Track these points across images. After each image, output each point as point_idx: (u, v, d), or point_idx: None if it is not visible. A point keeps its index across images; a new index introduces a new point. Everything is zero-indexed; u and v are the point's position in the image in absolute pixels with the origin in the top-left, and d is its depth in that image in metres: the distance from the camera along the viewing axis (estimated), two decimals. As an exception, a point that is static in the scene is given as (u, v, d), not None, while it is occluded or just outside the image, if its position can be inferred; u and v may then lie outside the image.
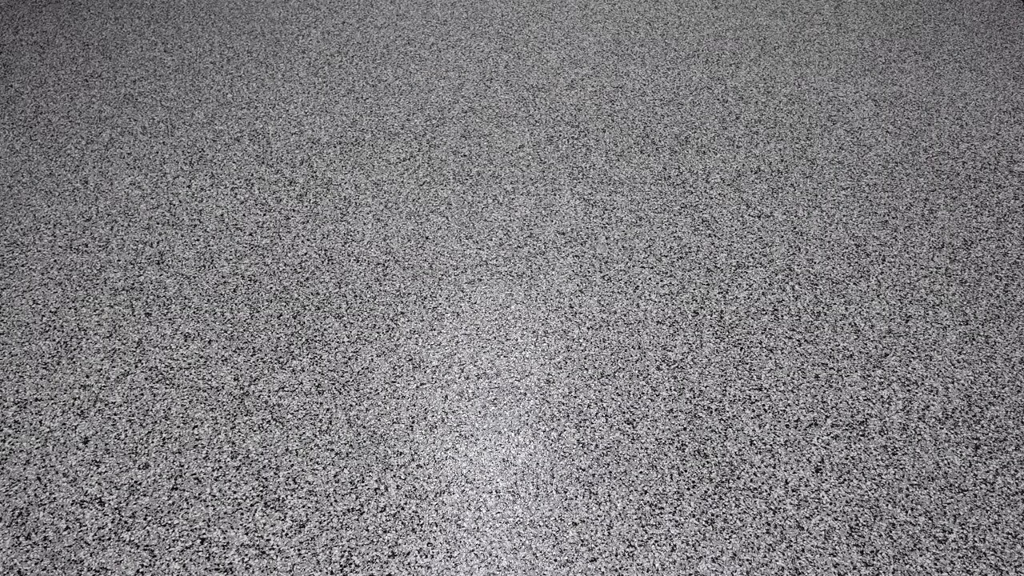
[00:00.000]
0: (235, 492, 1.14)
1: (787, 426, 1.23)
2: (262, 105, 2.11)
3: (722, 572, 1.03)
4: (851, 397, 1.28)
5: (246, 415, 1.25)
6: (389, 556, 1.05)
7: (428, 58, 2.35)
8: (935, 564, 1.04)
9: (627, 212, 1.70)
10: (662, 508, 1.11)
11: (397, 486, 1.14)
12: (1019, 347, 1.37)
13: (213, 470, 1.17)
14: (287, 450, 1.19)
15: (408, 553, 1.06)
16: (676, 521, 1.09)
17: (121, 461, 1.18)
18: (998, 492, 1.13)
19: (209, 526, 1.09)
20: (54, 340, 1.39)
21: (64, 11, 2.67)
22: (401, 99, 2.13)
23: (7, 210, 1.72)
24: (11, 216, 1.70)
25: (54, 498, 1.13)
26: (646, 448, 1.19)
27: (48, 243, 1.63)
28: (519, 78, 2.23)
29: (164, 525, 1.09)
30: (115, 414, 1.26)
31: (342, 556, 1.05)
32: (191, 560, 1.05)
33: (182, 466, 1.17)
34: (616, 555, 1.05)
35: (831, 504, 1.11)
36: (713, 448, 1.19)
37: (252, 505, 1.12)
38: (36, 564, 1.05)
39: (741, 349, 1.36)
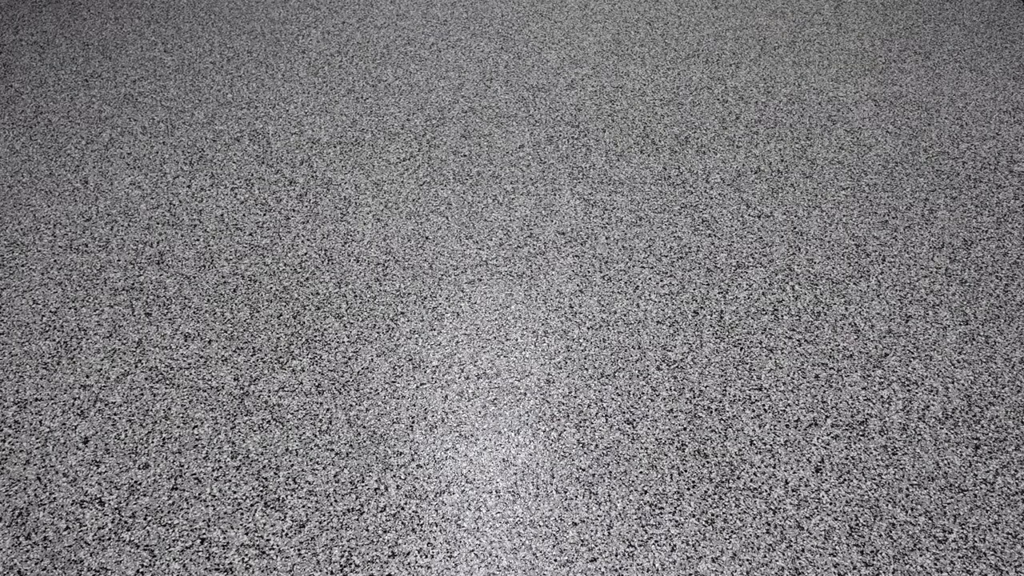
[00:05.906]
0: (235, 492, 1.13)
1: (787, 426, 1.23)
2: (262, 105, 2.11)
3: (722, 572, 1.03)
4: (851, 397, 1.28)
5: (246, 415, 1.25)
6: (389, 556, 1.05)
7: (428, 58, 2.35)
8: (935, 564, 1.04)
9: (627, 212, 1.70)
10: (662, 508, 1.11)
11: (397, 486, 1.14)
12: (1019, 347, 1.37)
13: (213, 470, 1.17)
14: (287, 450, 1.19)
15: (408, 553, 1.06)
16: (676, 521, 1.09)
17: (121, 461, 1.18)
18: (998, 492, 1.13)
19: (209, 526, 1.09)
20: (54, 340, 1.39)
21: (64, 11, 2.67)
22: (401, 99, 2.13)
23: (7, 210, 1.72)
24: (11, 216, 1.70)
25: (54, 498, 1.13)
26: (646, 448, 1.19)
27: (48, 243, 1.63)
28: (519, 78, 2.23)
29: (164, 525, 1.09)
30: (115, 414, 1.26)
31: (342, 556, 1.05)
32: (191, 560, 1.05)
33: (182, 466, 1.17)
34: (616, 555, 1.05)
35: (831, 504, 1.11)
36: (713, 448, 1.19)
37: (252, 505, 1.12)
38: (36, 564, 1.05)
39: (741, 349, 1.36)
